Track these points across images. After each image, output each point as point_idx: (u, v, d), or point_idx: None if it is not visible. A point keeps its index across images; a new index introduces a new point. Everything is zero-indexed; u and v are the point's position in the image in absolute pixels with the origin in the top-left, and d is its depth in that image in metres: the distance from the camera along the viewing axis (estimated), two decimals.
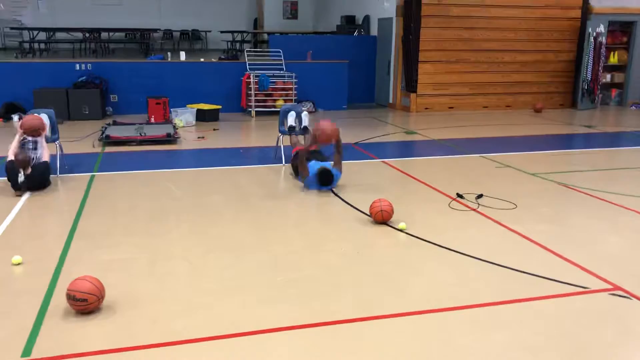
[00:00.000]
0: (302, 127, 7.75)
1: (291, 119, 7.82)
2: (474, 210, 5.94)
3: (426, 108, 13.27)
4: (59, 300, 3.79)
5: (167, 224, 5.41)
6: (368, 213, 5.60)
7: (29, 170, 6.23)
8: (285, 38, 15.18)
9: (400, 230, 5.30)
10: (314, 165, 6.61)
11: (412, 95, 13.18)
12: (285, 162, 7.70)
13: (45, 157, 6.50)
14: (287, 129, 7.80)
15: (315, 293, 4.05)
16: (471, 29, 13.15)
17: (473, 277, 4.36)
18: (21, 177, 6.16)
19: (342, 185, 6.77)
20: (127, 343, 3.39)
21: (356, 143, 9.44)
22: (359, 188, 6.69)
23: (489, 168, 7.86)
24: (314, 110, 12.87)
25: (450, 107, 13.45)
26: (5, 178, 6.34)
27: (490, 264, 4.57)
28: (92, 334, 3.48)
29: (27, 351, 3.26)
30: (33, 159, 6.35)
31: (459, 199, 6.30)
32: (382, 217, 5.44)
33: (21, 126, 6.62)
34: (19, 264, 4.41)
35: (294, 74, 12.38)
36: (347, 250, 4.83)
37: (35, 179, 6.29)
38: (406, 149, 9.56)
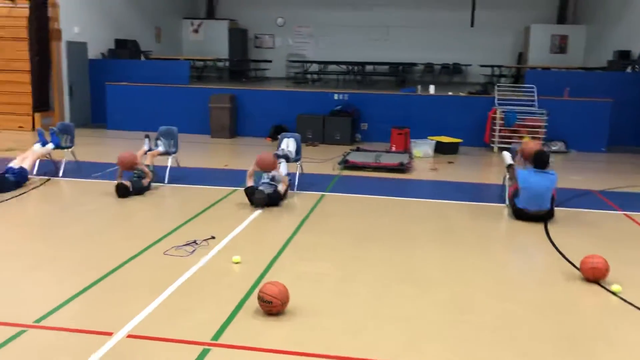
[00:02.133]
0: (507, 165, 7.50)
1: (508, 157, 7.54)
2: None
3: None
4: (255, 299, 4.36)
5: (367, 248, 5.73)
6: (578, 267, 5.10)
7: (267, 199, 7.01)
8: (544, 73, 14.43)
9: (613, 293, 4.71)
10: None
11: None
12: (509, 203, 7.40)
13: (281, 189, 7.24)
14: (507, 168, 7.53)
15: (484, 340, 3.90)
16: None
17: None
18: (258, 211, 6.97)
19: (560, 231, 6.26)
20: (296, 348, 3.76)
21: (601, 191, 8.52)
22: (579, 238, 6.10)
23: None
24: (565, 150, 11.98)
25: None
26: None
27: None
28: (270, 333, 3.95)
29: (216, 336, 3.87)
30: (268, 195, 7.04)
31: None
32: (593, 275, 4.90)
33: (257, 163, 7.25)
34: (237, 262, 5.18)
35: (545, 111, 11.72)
36: (539, 302, 4.50)
37: (270, 202, 7.11)
38: None
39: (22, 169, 7.85)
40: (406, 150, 11.14)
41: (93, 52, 14.95)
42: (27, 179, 7.95)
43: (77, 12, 14.10)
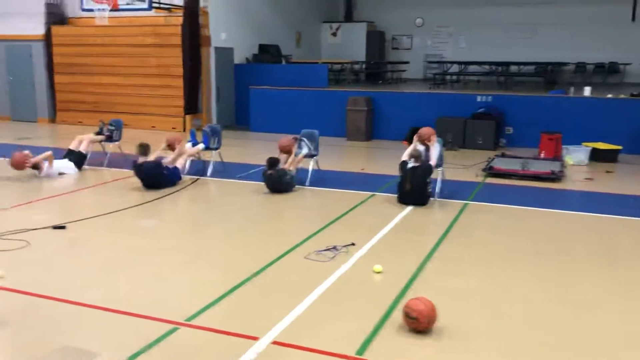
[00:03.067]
0: None
1: None
2: None
3: None
4: (400, 313, 4.15)
5: (518, 263, 5.28)
6: None
7: (418, 163, 7.21)
8: None
9: None
10: None
11: None
12: None
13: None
14: None
15: None
16: None
17: None
18: (410, 164, 7.21)
19: None
20: None
21: None
22: None
23: None
24: None
25: None
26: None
27: None
28: (416, 352, 3.72)
29: (361, 350, 3.72)
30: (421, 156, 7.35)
31: None
32: None
33: (418, 135, 7.75)
34: (379, 272, 5.01)
35: None
36: None
37: (418, 174, 7.16)
38: None
39: (175, 168, 8.33)
40: (557, 157, 10.30)
41: (238, 57, 15.67)
42: (180, 178, 8.43)
43: (225, 19, 14.84)
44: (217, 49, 14.68)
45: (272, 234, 6.28)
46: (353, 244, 5.72)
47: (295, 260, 5.34)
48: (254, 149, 12.10)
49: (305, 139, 8.73)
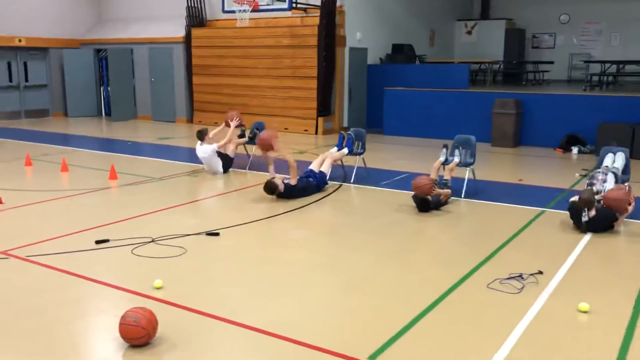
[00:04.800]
0: None
1: None
2: None
3: None
4: None
5: None
6: None
7: (593, 212, 5.95)
8: None
9: None
10: None
11: None
12: None
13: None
14: None
15: None
16: None
17: None
18: (585, 217, 5.96)
19: None
20: None
21: None
22: None
23: None
24: None
25: None
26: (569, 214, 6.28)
27: None
28: None
29: None
30: (595, 201, 6.05)
31: None
32: None
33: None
34: (586, 311, 4.16)
35: None
36: None
37: (597, 223, 5.98)
38: None
39: (322, 174, 7.92)
40: None
41: (371, 58, 15.14)
42: (326, 183, 8.02)
43: (360, 18, 14.38)
44: (351, 49, 14.24)
45: (438, 254, 5.60)
46: (541, 273, 4.90)
47: (477, 290, 4.62)
48: (393, 153, 11.51)
49: (459, 146, 7.94)
